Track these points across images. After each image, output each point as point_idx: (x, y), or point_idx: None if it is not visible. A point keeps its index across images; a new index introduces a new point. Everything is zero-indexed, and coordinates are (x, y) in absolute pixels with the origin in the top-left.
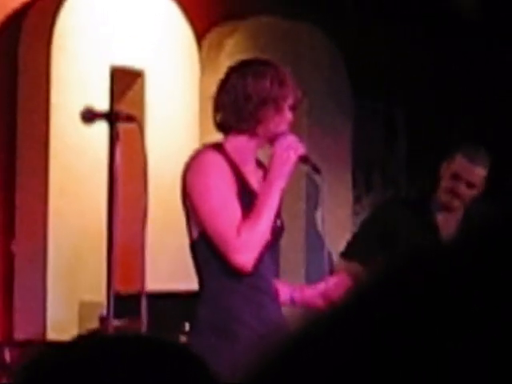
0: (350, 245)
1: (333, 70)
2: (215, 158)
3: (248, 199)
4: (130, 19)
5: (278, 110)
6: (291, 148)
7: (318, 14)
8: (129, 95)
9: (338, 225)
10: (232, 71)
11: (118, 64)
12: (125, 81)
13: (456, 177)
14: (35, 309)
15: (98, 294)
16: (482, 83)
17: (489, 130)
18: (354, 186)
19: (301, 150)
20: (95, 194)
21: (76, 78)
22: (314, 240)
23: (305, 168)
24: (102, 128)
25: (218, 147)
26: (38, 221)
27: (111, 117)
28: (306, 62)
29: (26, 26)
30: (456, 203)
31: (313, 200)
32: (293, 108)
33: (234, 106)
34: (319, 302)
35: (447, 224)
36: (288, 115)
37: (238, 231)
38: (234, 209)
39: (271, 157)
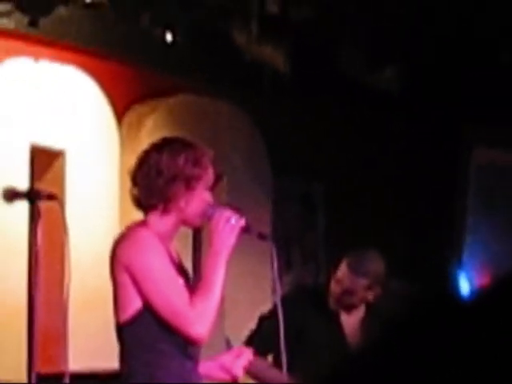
0: (250, 339)
1: (252, 148)
2: (149, 235)
3: (181, 274)
4: (50, 98)
5: (189, 188)
6: (231, 220)
7: (237, 92)
8: (49, 174)
9: (256, 305)
10: (151, 148)
11: (38, 143)
12: (45, 160)
13: (338, 282)
14: None
15: (19, 375)
16: (400, 158)
17: (410, 205)
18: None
19: (241, 221)
20: (16, 273)
21: None
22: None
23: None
24: (22, 207)
25: (144, 225)
26: None
27: (32, 195)
28: (226, 140)
29: None
30: (341, 307)
31: None
32: (209, 189)
33: (146, 180)
34: (219, 374)
35: (348, 322)
36: (203, 195)
37: (192, 303)
38: (179, 283)
39: (212, 231)
